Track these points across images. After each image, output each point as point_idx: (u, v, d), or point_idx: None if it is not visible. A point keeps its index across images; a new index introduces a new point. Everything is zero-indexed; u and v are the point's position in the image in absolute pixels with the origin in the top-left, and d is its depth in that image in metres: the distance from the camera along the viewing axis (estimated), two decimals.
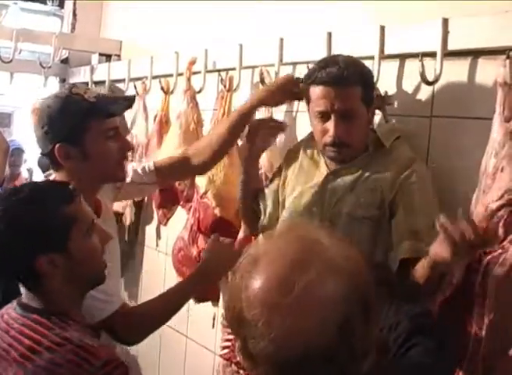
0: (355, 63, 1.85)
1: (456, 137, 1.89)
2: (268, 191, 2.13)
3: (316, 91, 1.85)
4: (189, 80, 2.75)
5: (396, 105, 2.05)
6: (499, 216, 1.63)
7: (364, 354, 0.99)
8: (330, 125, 1.83)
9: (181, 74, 2.86)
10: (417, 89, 2.00)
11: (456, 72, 1.87)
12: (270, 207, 2.10)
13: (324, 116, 1.84)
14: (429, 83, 1.87)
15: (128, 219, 3.12)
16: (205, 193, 2.46)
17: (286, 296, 0.95)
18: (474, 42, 1.79)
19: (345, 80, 1.80)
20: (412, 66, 1.98)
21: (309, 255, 0.99)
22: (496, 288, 1.63)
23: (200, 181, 2.49)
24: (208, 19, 3.03)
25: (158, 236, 3.24)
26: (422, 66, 1.86)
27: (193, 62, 2.75)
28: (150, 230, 3.30)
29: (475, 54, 1.83)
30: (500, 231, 1.63)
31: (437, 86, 1.92)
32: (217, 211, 2.43)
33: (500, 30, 1.70)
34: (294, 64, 2.35)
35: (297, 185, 2.00)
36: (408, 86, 2.02)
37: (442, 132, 1.93)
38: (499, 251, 1.63)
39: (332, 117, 1.83)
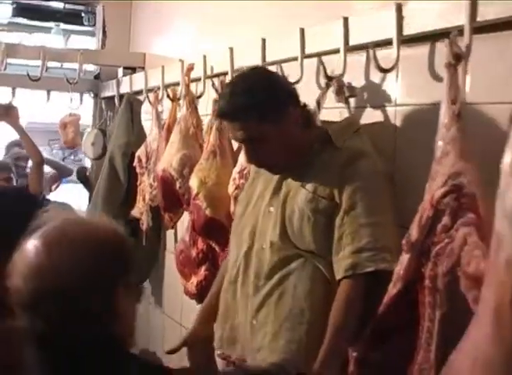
0: (246, 87, 1.73)
1: (420, 125, 1.76)
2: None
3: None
4: (187, 86, 2.71)
5: (365, 97, 1.95)
6: (445, 203, 1.50)
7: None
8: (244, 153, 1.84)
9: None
10: (383, 79, 1.88)
11: (415, 58, 1.76)
12: None
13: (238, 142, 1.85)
14: (384, 71, 1.75)
15: (145, 224, 3.11)
16: (197, 194, 2.41)
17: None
18: (428, 26, 1.66)
19: (233, 115, 1.74)
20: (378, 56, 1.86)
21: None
22: (446, 280, 1.50)
23: (193, 183, 2.44)
24: (211, 28, 3.01)
25: (176, 239, 3.21)
26: (374, 53, 1.75)
27: (190, 69, 2.71)
28: (170, 233, 3.28)
29: (433, 38, 1.71)
30: (446, 220, 1.50)
31: (401, 74, 1.81)
32: (208, 212, 2.37)
33: (449, 12, 1.58)
34: (278, 63, 2.27)
35: (258, 187, 1.95)
36: (375, 77, 1.91)
37: (407, 121, 1.80)
38: (446, 240, 1.50)
39: (243, 146, 1.80)
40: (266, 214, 1.86)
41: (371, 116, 1.91)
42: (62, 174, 4.27)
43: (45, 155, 4.33)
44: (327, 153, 1.77)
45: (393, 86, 1.84)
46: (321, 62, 1.92)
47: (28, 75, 3.47)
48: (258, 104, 1.71)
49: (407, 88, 1.81)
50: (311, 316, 1.73)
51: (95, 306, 1.18)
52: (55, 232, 1.21)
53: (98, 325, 1.19)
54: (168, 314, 3.34)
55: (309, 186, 1.76)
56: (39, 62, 3.54)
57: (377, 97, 1.89)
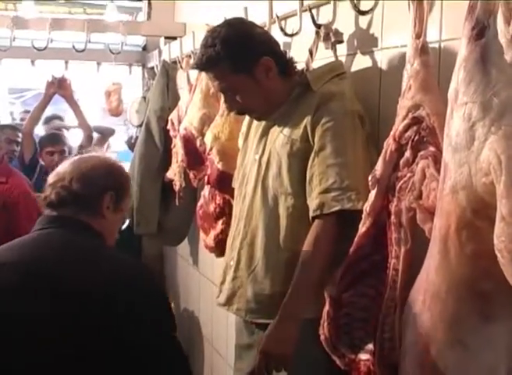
0: (217, 39, 1.76)
1: (404, 66, 1.72)
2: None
3: None
4: None
5: (355, 44, 1.91)
6: (407, 137, 1.46)
7: None
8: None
9: None
10: (369, 25, 1.84)
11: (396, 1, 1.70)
12: None
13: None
14: (362, 13, 1.72)
15: (178, 184, 3.16)
16: (211, 149, 2.44)
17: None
18: None
19: (205, 66, 1.81)
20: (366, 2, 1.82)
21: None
22: (409, 215, 1.47)
23: (208, 138, 2.48)
24: None
25: None
26: None
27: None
28: None
29: None
30: (409, 153, 1.46)
31: (385, 17, 1.76)
32: (220, 165, 2.40)
33: None
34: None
35: (250, 136, 1.99)
36: (364, 23, 1.87)
37: (391, 63, 1.76)
38: (409, 175, 1.46)
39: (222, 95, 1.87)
40: (253, 161, 1.88)
41: (361, 62, 1.87)
42: (106, 136, 4.41)
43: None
44: (305, 98, 1.77)
45: (379, 30, 1.80)
46: (309, 11, 1.90)
47: (74, 47, 3.59)
48: (228, 55, 1.75)
49: (390, 31, 1.76)
50: (291, 256, 1.74)
51: (85, 196, 1.64)
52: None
53: (83, 210, 1.64)
54: (203, 273, 3.40)
55: (286, 130, 1.79)
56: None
57: (365, 42, 1.85)
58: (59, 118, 4.49)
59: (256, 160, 1.86)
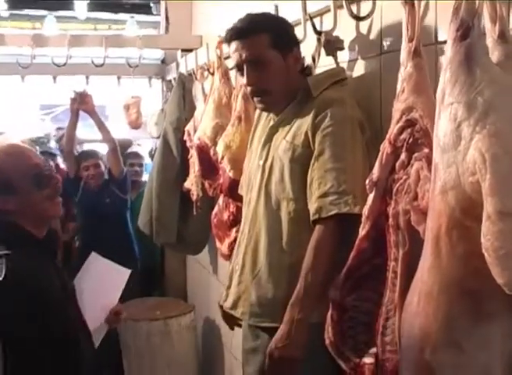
0: (261, 15, 1.82)
1: None
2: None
3: (230, 47, 1.86)
4: (220, 58, 2.77)
5: (356, 49, 1.92)
6: (402, 139, 1.46)
7: None
8: (244, 75, 1.81)
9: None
10: (368, 31, 1.85)
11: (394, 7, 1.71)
12: None
13: (240, 69, 1.83)
14: (360, 19, 1.73)
15: (195, 194, 3.20)
16: (222, 158, 2.47)
17: None
18: None
19: (247, 31, 1.79)
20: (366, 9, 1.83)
21: None
22: (406, 218, 1.46)
23: (219, 147, 2.51)
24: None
25: None
26: (348, 4, 1.73)
27: (221, 42, 2.76)
28: None
29: None
30: (404, 156, 1.46)
31: (384, 23, 1.77)
32: (231, 174, 2.42)
33: None
34: None
35: (254, 143, 2.01)
36: (364, 29, 1.88)
37: (392, 68, 1.76)
38: (404, 177, 1.46)
39: (244, 67, 1.80)
40: (257, 167, 1.90)
41: (362, 67, 1.88)
42: (124, 147, 4.51)
43: None
44: (306, 103, 1.79)
45: (378, 35, 1.80)
46: (310, 19, 1.91)
47: (92, 62, 3.66)
48: (271, 29, 1.80)
49: (389, 35, 1.76)
50: (294, 260, 1.75)
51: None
52: None
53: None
54: (222, 281, 3.42)
55: (288, 136, 1.80)
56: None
57: (366, 48, 1.86)
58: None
59: (260, 166, 1.88)
